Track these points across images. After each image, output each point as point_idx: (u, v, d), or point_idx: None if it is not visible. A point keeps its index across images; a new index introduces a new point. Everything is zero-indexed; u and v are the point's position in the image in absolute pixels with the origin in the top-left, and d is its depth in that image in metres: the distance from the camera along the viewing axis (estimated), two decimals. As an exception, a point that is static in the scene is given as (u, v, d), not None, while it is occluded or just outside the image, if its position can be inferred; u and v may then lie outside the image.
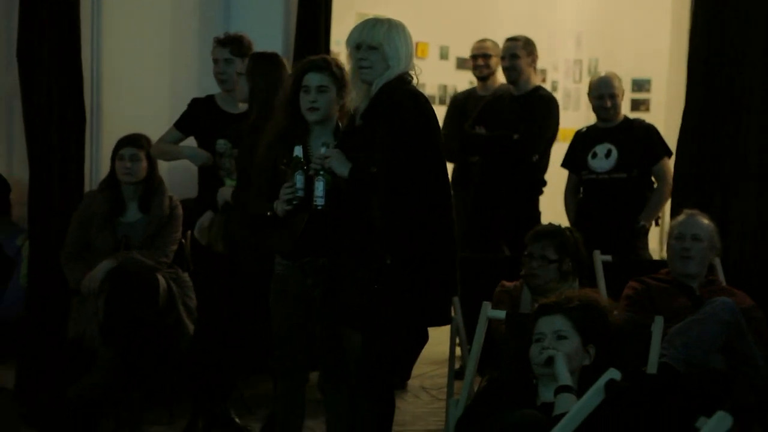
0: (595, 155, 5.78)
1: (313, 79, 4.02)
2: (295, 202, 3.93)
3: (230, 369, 4.99)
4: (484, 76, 6.55)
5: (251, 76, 4.62)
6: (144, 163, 5.00)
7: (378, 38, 3.83)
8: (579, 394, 3.39)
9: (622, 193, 5.67)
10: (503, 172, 6.09)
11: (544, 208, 6.24)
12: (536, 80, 6.25)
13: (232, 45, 4.95)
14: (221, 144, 4.83)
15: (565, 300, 3.63)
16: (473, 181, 6.31)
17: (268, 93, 4.54)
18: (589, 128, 6.00)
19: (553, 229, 4.74)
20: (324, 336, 4.06)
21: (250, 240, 4.38)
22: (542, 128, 6.09)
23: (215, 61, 4.99)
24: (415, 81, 3.90)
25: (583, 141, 5.91)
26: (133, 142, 5.01)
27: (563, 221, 5.06)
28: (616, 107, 5.83)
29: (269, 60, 4.68)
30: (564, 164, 5.99)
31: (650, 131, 5.83)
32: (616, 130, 5.81)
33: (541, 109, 6.08)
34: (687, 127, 5.41)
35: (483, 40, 6.62)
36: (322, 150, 3.89)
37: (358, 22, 4.00)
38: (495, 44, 6.56)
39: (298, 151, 3.94)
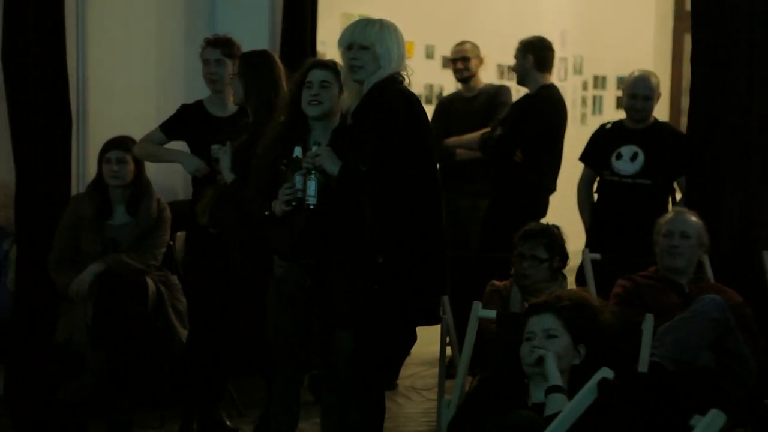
0: (620, 156, 5.52)
1: (316, 75, 4.06)
2: (294, 203, 3.91)
3: (221, 371, 4.97)
4: (464, 78, 6.57)
5: (244, 77, 4.61)
6: (131, 166, 4.97)
7: (370, 38, 3.83)
8: (569, 393, 3.40)
9: (644, 200, 5.36)
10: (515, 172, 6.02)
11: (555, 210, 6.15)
12: (544, 80, 6.15)
13: (224, 46, 4.93)
14: (215, 149, 4.81)
15: (555, 299, 3.63)
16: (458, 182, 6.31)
17: (264, 91, 4.54)
18: (615, 125, 5.73)
19: (542, 228, 4.75)
20: (322, 337, 4.05)
21: (245, 239, 4.36)
22: (517, 126, 5.97)
23: (206, 62, 4.96)
24: (407, 81, 3.90)
25: (607, 138, 5.66)
26: (120, 144, 4.98)
27: (551, 217, 5.04)
28: (647, 110, 5.56)
29: (260, 58, 4.67)
30: (582, 158, 5.77)
31: (680, 139, 5.58)
32: (645, 132, 5.55)
33: (520, 107, 6.07)
34: (691, 130, 5.40)
35: (461, 43, 6.64)
36: (314, 149, 3.89)
37: (344, 22, 4.02)
38: (474, 46, 6.57)
39: (297, 151, 3.94)
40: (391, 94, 3.80)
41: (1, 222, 5.30)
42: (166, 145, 5.03)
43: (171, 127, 5.00)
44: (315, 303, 3.99)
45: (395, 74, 3.86)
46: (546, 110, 6.07)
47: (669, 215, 4.80)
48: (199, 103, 5.02)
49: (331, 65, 4.09)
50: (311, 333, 4.09)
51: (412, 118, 3.80)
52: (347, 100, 3.95)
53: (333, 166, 3.81)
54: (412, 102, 3.83)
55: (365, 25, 3.87)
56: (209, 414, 4.92)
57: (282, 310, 4.13)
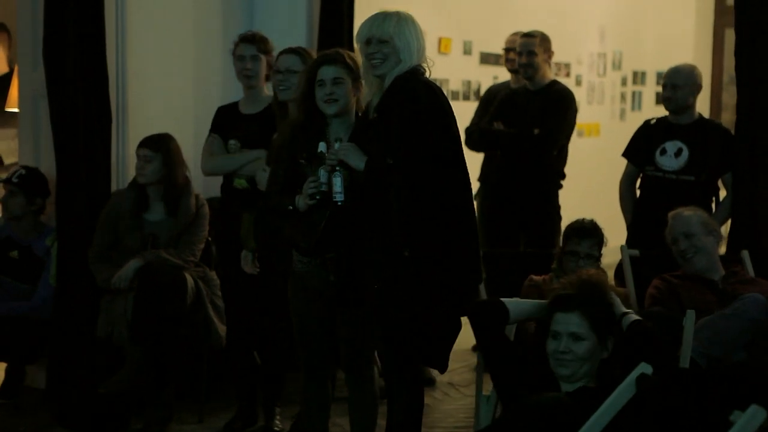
0: (664, 152, 5.44)
1: (327, 72, 4.01)
2: (318, 197, 3.90)
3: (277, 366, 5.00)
4: (515, 69, 6.51)
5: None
6: (155, 165, 4.96)
7: (388, 32, 3.81)
8: (600, 386, 3.41)
9: (687, 196, 5.14)
10: (522, 168, 6.07)
11: (568, 199, 6.23)
12: (551, 75, 6.22)
13: (260, 42, 4.95)
14: (232, 144, 4.88)
15: (579, 293, 3.58)
16: (493, 176, 6.31)
17: None
18: (660, 121, 5.62)
19: (594, 226, 4.76)
20: (343, 332, 4.07)
21: (270, 237, 4.37)
22: (563, 123, 6.07)
23: (240, 58, 4.95)
24: (428, 74, 3.88)
25: (651, 134, 5.57)
26: (148, 143, 4.99)
27: (588, 213, 5.03)
28: (677, 100, 5.44)
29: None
30: (625, 154, 5.69)
31: (726, 135, 5.46)
32: (690, 128, 5.45)
33: (561, 103, 6.06)
34: (739, 125, 5.34)
35: (516, 33, 6.60)
36: (336, 145, 3.89)
37: (378, 18, 3.97)
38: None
39: (322, 146, 3.93)
40: (414, 85, 3.79)
41: (43, 218, 5.36)
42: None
43: (217, 126, 5.04)
44: (341, 301, 3.99)
45: (417, 67, 3.84)
46: (574, 103, 6.15)
47: (668, 223, 4.76)
48: (234, 105, 5.06)
49: (339, 59, 4.03)
50: (336, 330, 4.10)
51: (436, 108, 3.78)
52: (368, 95, 3.93)
53: (359, 162, 3.80)
54: (436, 92, 3.82)
55: (383, 18, 3.86)
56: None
57: (304, 305, 4.12)
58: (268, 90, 5.01)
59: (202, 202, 5.12)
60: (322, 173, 3.90)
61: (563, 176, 6.20)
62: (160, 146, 4.98)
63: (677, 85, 5.45)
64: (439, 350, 3.87)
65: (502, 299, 3.72)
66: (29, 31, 5.38)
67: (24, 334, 5.10)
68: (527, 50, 6.08)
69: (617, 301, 3.65)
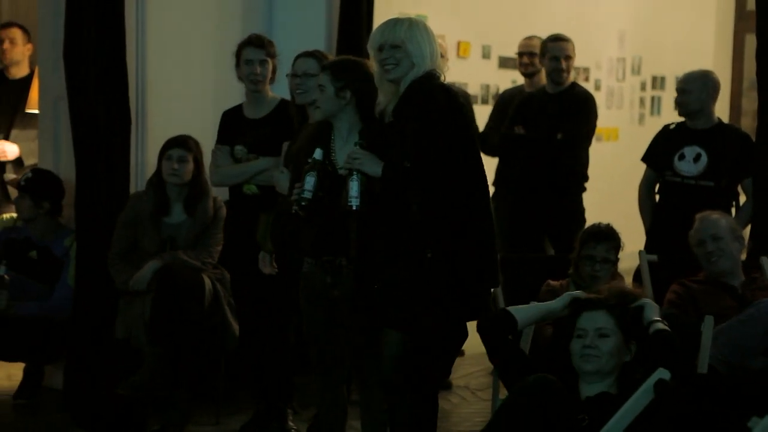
0: (682, 157, 5.42)
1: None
2: (303, 203, 3.89)
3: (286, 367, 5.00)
4: (529, 73, 6.52)
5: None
6: (191, 166, 5.02)
7: (399, 36, 3.82)
8: (620, 390, 3.40)
9: (706, 202, 5.11)
10: (545, 172, 6.05)
11: (587, 204, 6.22)
12: (571, 77, 6.21)
13: (268, 47, 4.97)
14: (238, 150, 4.91)
15: (607, 295, 3.62)
16: (514, 179, 6.30)
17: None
18: (679, 125, 5.60)
19: (611, 230, 4.74)
20: (349, 337, 4.05)
21: (284, 238, 4.39)
22: (585, 127, 6.05)
23: (248, 62, 4.94)
24: (442, 78, 3.89)
25: (670, 139, 5.56)
26: (182, 143, 5.03)
27: (607, 218, 5.02)
28: (687, 105, 5.44)
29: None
30: (644, 158, 5.68)
31: (746, 140, 5.46)
32: (709, 133, 5.44)
33: (583, 107, 6.04)
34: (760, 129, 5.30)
35: (530, 38, 6.59)
36: (354, 149, 3.88)
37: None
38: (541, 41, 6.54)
39: (318, 153, 3.92)
40: (431, 88, 3.80)
41: (62, 219, 5.39)
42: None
43: (223, 136, 5.06)
44: (354, 307, 3.96)
45: (432, 71, 3.85)
46: (595, 106, 6.15)
47: (695, 225, 4.75)
48: (238, 108, 5.07)
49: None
50: (337, 331, 4.09)
51: (453, 110, 3.79)
52: (383, 101, 3.94)
53: (375, 167, 3.81)
54: (453, 95, 3.83)
55: (394, 24, 3.87)
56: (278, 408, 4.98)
57: (309, 306, 4.13)
58: (271, 92, 5.05)
59: (219, 204, 5.14)
60: (308, 179, 3.89)
61: (587, 179, 6.19)
62: (192, 146, 5.02)
63: (686, 89, 5.45)
64: (449, 357, 3.87)
65: (508, 308, 3.72)
66: (50, 33, 5.41)
67: (42, 334, 5.12)
68: (565, 54, 6.02)
69: (652, 308, 3.64)
